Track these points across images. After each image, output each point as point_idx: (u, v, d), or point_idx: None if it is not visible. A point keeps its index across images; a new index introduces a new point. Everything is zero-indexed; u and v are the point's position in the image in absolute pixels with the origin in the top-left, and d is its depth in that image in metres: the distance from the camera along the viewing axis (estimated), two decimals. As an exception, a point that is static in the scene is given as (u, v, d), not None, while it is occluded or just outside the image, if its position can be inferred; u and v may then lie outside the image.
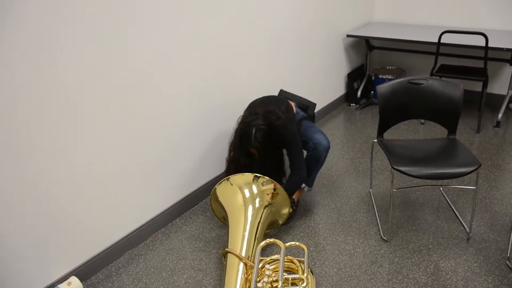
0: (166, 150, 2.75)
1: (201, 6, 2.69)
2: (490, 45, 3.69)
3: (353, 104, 4.77)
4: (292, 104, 2.92)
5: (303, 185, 2.91)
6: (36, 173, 2.06)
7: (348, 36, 4.46)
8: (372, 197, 3.10)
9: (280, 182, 2.65)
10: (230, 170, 2.71)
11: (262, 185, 2.48)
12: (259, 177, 2.48)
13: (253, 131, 2.50)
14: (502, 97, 4.38)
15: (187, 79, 2.74)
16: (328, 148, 2.79)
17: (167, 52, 2.56)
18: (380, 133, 2.82)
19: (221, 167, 3.20)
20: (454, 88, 2.66)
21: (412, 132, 4.06)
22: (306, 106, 3.04)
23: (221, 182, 2.52)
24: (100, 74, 2.23)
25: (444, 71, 4.12)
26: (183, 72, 2.70)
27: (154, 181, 2.73)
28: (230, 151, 2.74)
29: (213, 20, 2.80)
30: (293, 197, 2.92)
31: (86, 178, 2.31)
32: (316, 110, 4.21)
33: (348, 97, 4.81)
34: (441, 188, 3.15)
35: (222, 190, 2.53)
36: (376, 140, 2.83)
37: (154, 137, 2.63)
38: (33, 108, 1.99)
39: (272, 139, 2.55)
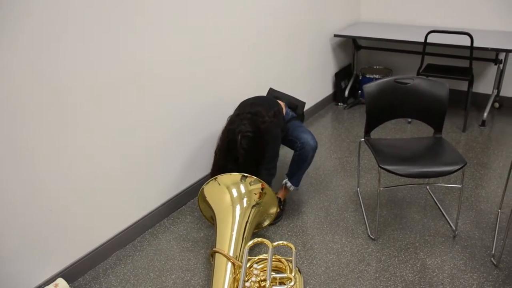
0: (154, 151, 2.74)
1: (190, 6, 2.68)
2: (475, 45, 3.73)
3: (341, 104, 4.80)
4: (282, 104, 2.93)
5: (289, 184, 2.92)
6: (23, 174, 2.05)
7: (335, 36, 4.48)
8: (360, 196, 3.12)
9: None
10: (215, 174, 2.70)
11: (250, 185, 2.48)
12: (247, 176, 2.48)
13: (239, 138, 2.50)
14: (488, 96, 4.43)
15: (176, 79, 2.73)
16: (315, 148, 2.80)
17: (158, 53, 2.55)
18: (367, 132, 2.83)
19: (209, 167, 3.19)
20: (440, 87, 2.69)
21: (399, 131, 4.09)
22: (295, 105, 3.05)
23: (208, 182, 2.52)
24: (94, 75, 2.22)
25: (430, 70, 4.16)
26: (173, 72, 2.69)
27: (142, 182, 2.72)
28: (216, 153, 2.74)
29: (201, 20, 2.80)
30: (280, 196, 2.93)
31: (72, 179, 2.29)
32: (304, 110, 4.21)
33: (336, 96, 4.84)
34: (427, 187, 3.18)
35: (210, 190, 2.53)
36: (363, 139, 2.85)
37: (141, 138, 2.62)
38: (31, 108, 1.97)
39: (257, 145, 2.55)
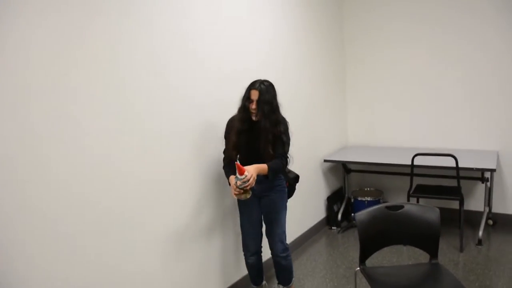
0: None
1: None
2: (460, 165, 3.82)
3: (334, 227, 4.75)
4: None
5: (281, 287, 3.09)
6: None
7: (325, 161, 4.59)
8: (361, 328, 2.97)
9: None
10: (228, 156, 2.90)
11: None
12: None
13: (259, 82, 2.75)
14: (480, 214, 4.43)
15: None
16: (285, 251, 2.99)
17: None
18: (362, 260, 2.77)
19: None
20: (431, 212, 2.69)
21: (395, 254, 4.01)
22: (288, 170, 3.13)
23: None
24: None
25: (420, 191, 4.20)
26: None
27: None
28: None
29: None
30: None
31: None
32: (297, 236, 4.18)
33: (329, 220, 4.81)
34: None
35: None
36: (358, 269, 2.78)
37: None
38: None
39: (272, 99, 2.73)
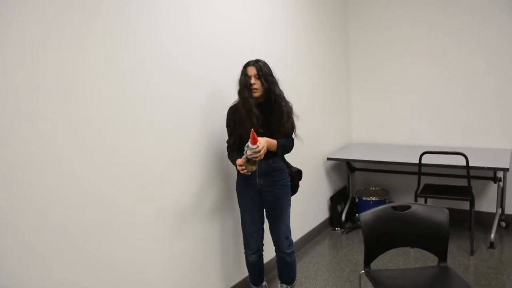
0: None
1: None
2: (471, 164, 3.64)
3: (338, 228, 4.58)
4: None
5: (285, 286, 3.00)
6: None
7: (328, 159, 4.42)
8: (365, 336, 2.80)
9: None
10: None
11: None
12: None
13: (253, 59, 2.73)
14: (492, 215, 4.23)
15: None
16: (289, 249, 2.91)
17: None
18: (367, 263, 2.61)
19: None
20: (439, 213, 2.54)
21: (402, 257, 3.83)
22: (290, 166, 3.04)
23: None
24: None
25: (428, 191, 4.03)
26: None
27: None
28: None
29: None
30: None
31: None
32: (299, 237, 4.02)
33: (332, 221, 4.64)
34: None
35: None
36: (363, 272, 2.61)
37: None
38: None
39: (272, 72, 2.73)
